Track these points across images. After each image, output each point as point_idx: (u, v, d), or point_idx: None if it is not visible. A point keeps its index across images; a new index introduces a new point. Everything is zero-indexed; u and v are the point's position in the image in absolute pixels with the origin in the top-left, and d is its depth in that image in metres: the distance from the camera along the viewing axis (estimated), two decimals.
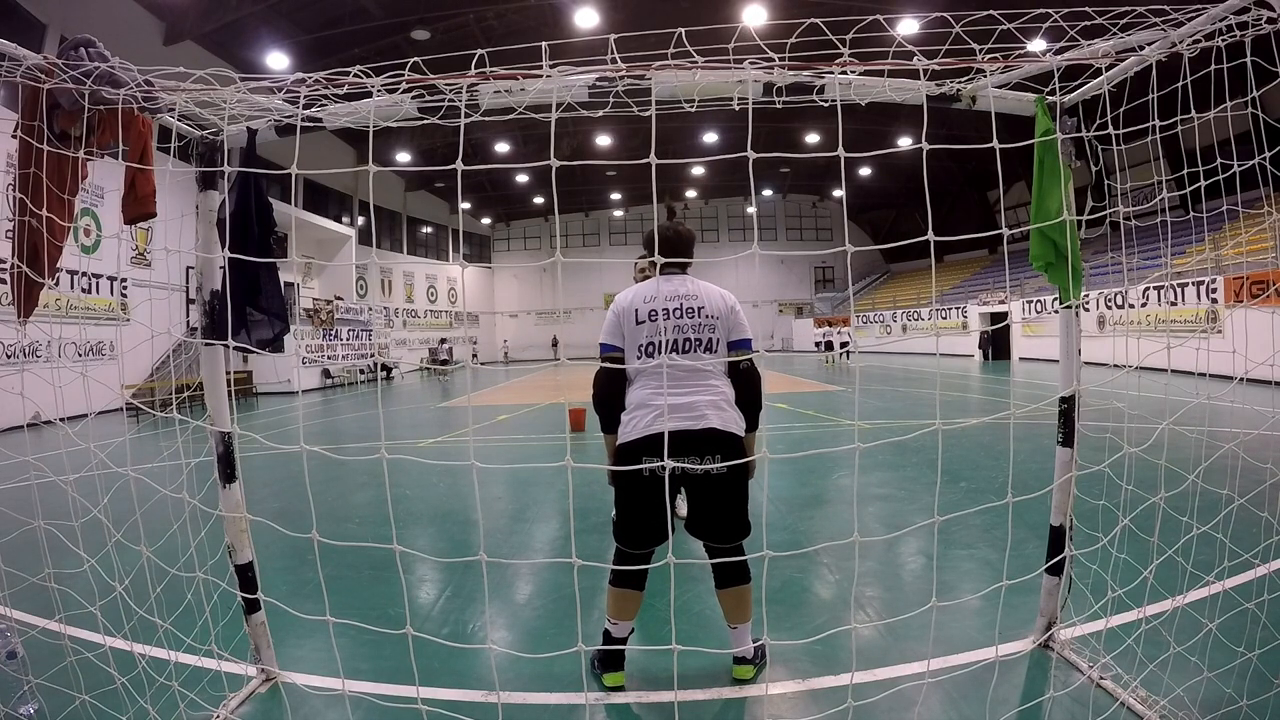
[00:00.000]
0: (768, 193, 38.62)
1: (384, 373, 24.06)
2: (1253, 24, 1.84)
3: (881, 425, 8.49)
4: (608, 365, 2.41)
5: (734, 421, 2.38)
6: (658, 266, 2.52)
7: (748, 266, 33.99)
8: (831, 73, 2.12)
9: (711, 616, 3.08)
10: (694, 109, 2.27)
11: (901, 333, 28.25)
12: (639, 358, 2.42)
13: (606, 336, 2.47)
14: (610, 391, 2.45)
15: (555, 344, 37.30)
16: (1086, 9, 2.00)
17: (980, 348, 24.07)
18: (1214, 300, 13.77)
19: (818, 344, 26.26)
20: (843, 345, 24.54)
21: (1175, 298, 15.13)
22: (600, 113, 2.22)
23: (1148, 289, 15.71)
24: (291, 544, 3.75)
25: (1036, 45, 2.18)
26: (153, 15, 16.76)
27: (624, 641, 2.49)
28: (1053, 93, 2.27)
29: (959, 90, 2.28)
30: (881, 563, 3.68)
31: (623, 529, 2.48)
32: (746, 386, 2.45)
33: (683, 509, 2.61)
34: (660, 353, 2.39)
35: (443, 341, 32.15)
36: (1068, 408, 2.44)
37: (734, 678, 2.48)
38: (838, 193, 36.92)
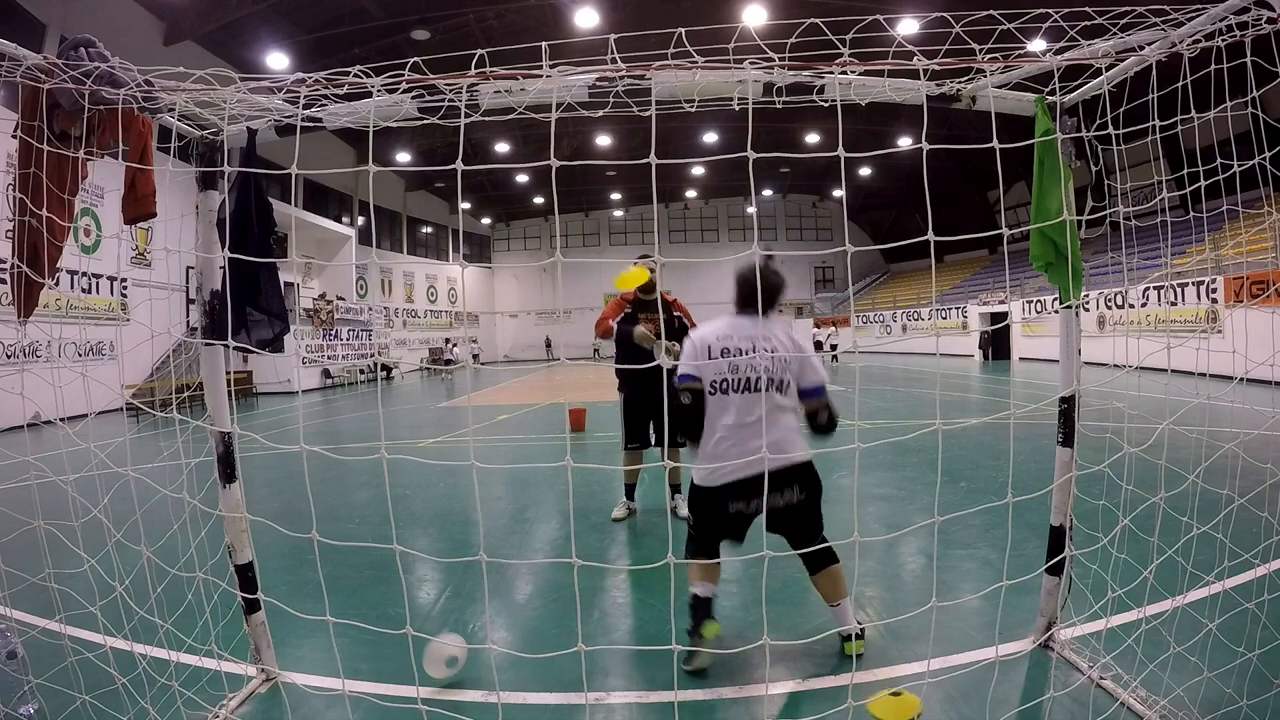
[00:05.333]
0: (768, 193, 38.60)
1: (384, 373, 24.05)
2: (1253, 24, 1.84)
3: (881, 425, 8.49)
4: (685, 393, 2.55)
5: (802, 446, 2.52)
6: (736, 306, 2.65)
7: None
8: (831, 73, 2.11)
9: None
10: (694, 109, 2.27)
11: (901, 333, 28.25)
12: (711, 394, 2.56)
13: (685, 368, 2.60)
14: (689, 417, 2.56)
15: (549, 345, 37.24)
16: (1086, 9, 1.99)
17: (980, 348, 24.05)
18: (1214, 300, 13.76)
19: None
20: (832, 346, 24.51)
21: (1175, 298, 15.13)
22: (600, 113, 2.22)
23: (1148, 289, 15.71)
24: (291, 544, 3.75)
25: (1036, 45, 2.18)
26: (153, 15, 16.76)
27: (711, 601, 2.59)
28: (1053, 93, 2.26)
29: (959, 90, 2.28)
30: (881, 563, 3.68)
31: (699, 536, 2.66)
32: (821, 432, 2.56)
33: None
34: (731, 391, 2.53)
35: (447, 341, 32.24)
36: (1068, 408, 2.44)
37: (844, 654, 2.58)
38: (838, 193, 36.90)
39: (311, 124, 2.22)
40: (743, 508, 2.51)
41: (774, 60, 2.07)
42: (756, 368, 2.51)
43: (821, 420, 2.55)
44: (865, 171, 33.16)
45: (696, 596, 2.61)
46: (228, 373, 2.51)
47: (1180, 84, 2.10)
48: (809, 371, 2.56)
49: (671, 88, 2.14)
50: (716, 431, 2.54)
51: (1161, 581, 2.29)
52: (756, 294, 2.45)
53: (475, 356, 34.71)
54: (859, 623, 2.66)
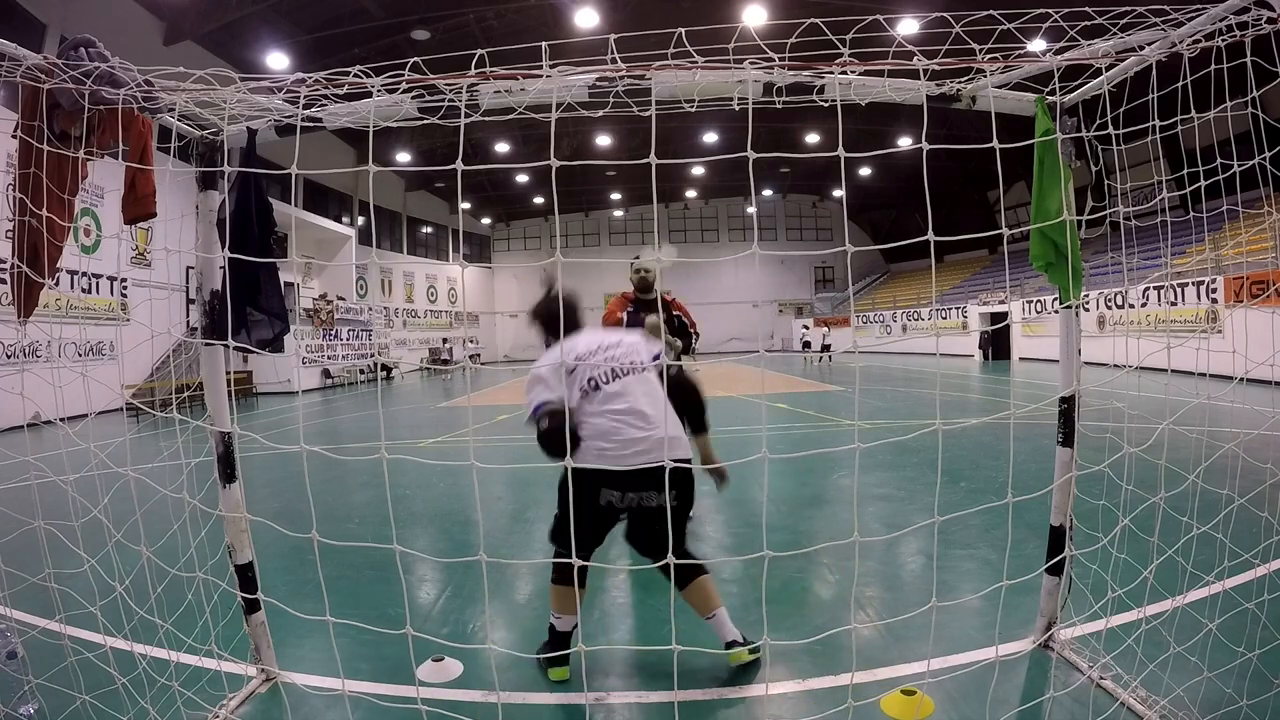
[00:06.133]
0: (768, 193, 38.59)
1: (384, 373, 24.05)
2: (1253, 24, 1.84)
3: (881, 425, 8.49)
4: (549, 415, 2.33)
5: (685, 445, 2.54)
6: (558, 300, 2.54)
7: (748, 266, 34.00)
8: (831, 73, 2.11)
9: None
10: (694, 109, 2.27)
11: (901, 333, 28.25)
12: (582, 395, 2.45)
13: (538, 396, 2.41)
14: (558, 438, 2.22)
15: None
16: (1086, 9, 1.99)
17: (980, 348, 24.05)
18: (1214, 300, 13.76)
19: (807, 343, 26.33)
20: (825, 347, 24.44)
21: (1175, 298, 15.13)
22: (600, 113, 2.22)
23: (1148, 289, 15.71)
24: (291, 544, 3.75)
25: (1036, 45, 2.18)
26: (153, 15, 16.76)
27: (569, 637, 2.55)
28: (1053, 93, 2.26)
29: (959, 90, 2.28)
30: (881, 563, 3.68)
31: (565, 538, 2.37)
32: (680, 390, 2.61)
33: None
34: (603, 384, 2.47)
35: (445, 341, 32.24)
36: (1068, 408, 2.44)
37: (731, 664, 2.50)
38: (838, 193, 36.90)
39: (311, 124, 2.22)
40: (615, 499, 2.39)
41: (774, 60, 2.07)
42: (613, 359, 2.50)
43: (672, 373, 2.58)
44: (865, 171, 33.15)
45: (553, 629, 2.57)
46: (228, 373, 2.51)
47: (1180, 84, 2.10)
48: (649, 345, 2.63)
49: (671, 88, 2.14)
50: (600, 420, 2.42)
51: (1161, 581, 2.29)
52: (562, 318, 2.38)
53: (475, 356, 34.70)
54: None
